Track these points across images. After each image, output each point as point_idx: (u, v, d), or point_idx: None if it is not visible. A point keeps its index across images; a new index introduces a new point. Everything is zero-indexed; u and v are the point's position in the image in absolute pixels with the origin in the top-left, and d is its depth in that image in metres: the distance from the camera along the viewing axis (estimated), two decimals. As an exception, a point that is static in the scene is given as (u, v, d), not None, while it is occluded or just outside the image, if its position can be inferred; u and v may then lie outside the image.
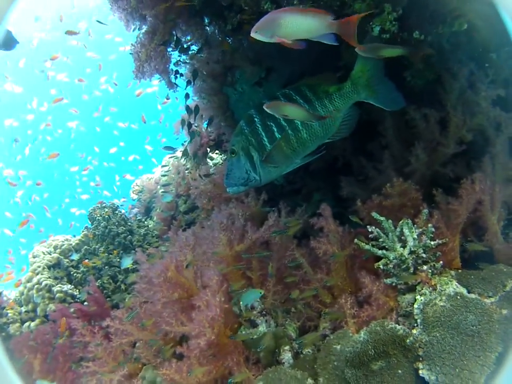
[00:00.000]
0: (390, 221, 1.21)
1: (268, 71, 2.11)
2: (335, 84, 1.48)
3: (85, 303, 1.94)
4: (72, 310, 1.93)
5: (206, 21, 1.98)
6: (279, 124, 1.41)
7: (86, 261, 2.33)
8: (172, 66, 2.01)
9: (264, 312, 1.48)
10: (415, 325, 1.07)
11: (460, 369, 0.93)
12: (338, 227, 1.40)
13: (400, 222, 1.20)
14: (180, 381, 1.25)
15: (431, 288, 1.07)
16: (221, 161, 2.51)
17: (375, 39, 1.54)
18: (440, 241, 1.12)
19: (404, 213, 1.32)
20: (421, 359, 0.98)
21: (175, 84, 2.05)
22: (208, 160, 2.53)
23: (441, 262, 1.12)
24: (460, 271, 1.13)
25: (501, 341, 0.95)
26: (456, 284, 1.06)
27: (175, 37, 1.91)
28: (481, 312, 0.97)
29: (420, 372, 0.97)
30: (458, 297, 1.00)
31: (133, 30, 1.79)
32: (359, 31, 1.59)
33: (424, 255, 1.11)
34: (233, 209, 1.74)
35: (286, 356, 1.37)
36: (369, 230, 1.22)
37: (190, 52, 2.05)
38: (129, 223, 2.40)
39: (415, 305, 1.08)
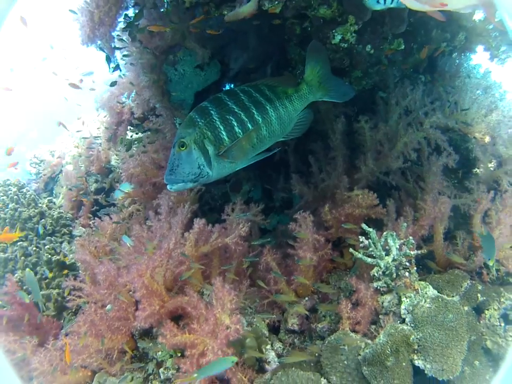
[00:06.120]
0: (374, 231, 1.40)
1: (211, 57, 2.02)
2: (293, 86, 1.54)
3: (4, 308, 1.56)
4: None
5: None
6: (239, 119, 1.38)
7: None
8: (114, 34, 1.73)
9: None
10: (399, 322, 1.30)
11: (446, 357, 1.19)
12: (315, 234, 1.51)
13: (384, 233, 1.39)
14: None
15: (414, 292, 1.31)
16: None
17: (333, 47, 1.67)
18: (419, 252, 1.36)
19: (368, 224, 1.53)
20: (415, 351, 1.22)
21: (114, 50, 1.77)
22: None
23: (415, 268, 1.37)
24: (430, 275, 1.41)
25: (467, 330, 1.25)
26: (431, 287, 1.33)
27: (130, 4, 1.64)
28: (456, 310, 1.25)
29: (416, 362, 1.21)
30: (440, 299, 1.27)
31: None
32: (320, 37, 1.69)
33: (407, 263, 1.34)
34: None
35: (270, 355, 1.44)
36: (360, 240, 1.38)
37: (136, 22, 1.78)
38: (39, 204, 1.97)
39: (402, 306, 1.30)
